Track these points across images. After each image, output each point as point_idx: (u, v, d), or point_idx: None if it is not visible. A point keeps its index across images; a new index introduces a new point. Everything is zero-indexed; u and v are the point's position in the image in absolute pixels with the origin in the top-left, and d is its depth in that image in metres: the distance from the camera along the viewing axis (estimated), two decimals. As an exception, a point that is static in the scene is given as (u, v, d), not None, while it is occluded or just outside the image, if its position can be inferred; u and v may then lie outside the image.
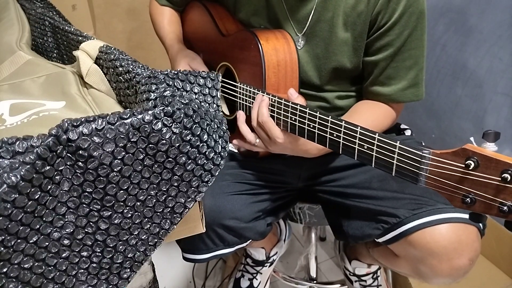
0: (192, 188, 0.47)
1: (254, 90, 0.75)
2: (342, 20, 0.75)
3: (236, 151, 0.88)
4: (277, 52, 0.76)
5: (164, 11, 1.02)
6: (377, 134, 0.54)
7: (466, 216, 0.66)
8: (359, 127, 0.56)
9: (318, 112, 0.62)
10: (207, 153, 0.46)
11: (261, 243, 1.05)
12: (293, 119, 0.66)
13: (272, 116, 0.70)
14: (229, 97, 0.84)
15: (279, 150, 0.73)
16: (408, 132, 0.91)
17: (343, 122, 0.59)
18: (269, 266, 1.10)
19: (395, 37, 0.74)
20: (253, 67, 0.77)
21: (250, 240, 0.85)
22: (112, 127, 0.40)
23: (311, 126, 0.63)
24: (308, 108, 0.64)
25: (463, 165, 0.45)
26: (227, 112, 0.89)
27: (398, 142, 0.52)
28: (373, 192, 0.76)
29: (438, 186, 0.49)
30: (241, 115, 0.76)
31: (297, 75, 0.78)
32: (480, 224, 0.68)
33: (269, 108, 0.70)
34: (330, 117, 0.60)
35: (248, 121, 0.74)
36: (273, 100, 0.70)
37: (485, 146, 0.45)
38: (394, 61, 0.76)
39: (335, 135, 0.60)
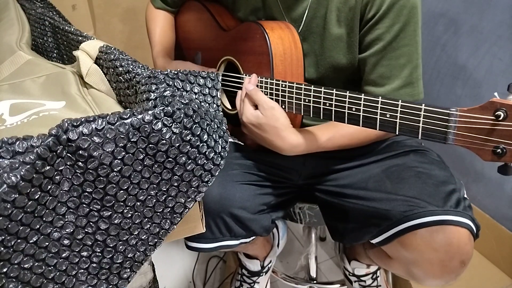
0: (192, 188, 0.47)
1: (261, 79, 0.75)
2: (335, 16, 0.75)
3: (242, 144, 0.89)
4: (282, 40, 0.77)
5: (157, 17, 1.02)
6: (400, 101, 0.56)
7: (458, 218, 0.66)
8: (380, 97, 0.58)
9: (334, 90, 0.63)
10: (207, 153, 0.46)
11: (256, 251, 1.06)
12: (306, 100, 0.67)
13: (283, 101, 0.71)
14: (233, 89, 0.84)
15: (248, 133, 0.76)
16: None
17: (362, 95, 0.60)
18: (265, 274, 1.11)
19: (384, 30, 0.72)
20: (259, 56, 0.78)
21: (254, 237, 0.85)
22: (112, 127, 0.40)
23: (327, 104, 0.64)
24: (323, 87, 0.64)
25: (493, 117, 0.47)
26: (229, 107, 0.89)
27: (423, 104, 0.53)
28: (368, 193, 0.76)
29: (467, 142, 0.50)
30: (238, 94, 0.80)
31: (302, 63, 0.79)
32: (473, 227, 0.67)
33: (279, 94, 0.72)
34: (348, 92, 0.61)
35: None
36: (283, 86, 0.70)
37: (511, 98, 0.47)
38: (386, 58, 0.74)
39: (354, 109, 0.61)
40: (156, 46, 0.99)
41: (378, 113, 0.58)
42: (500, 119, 0.47)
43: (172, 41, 1.03)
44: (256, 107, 0.74)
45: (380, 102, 0.57)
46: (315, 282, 1.14)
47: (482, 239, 0.69)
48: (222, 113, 0.64)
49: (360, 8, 0.73)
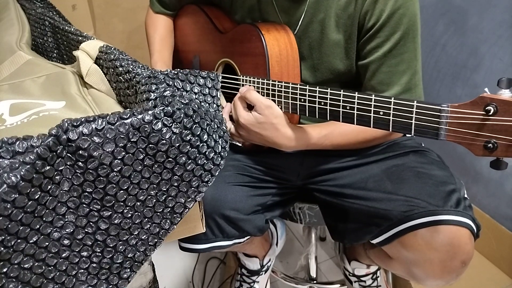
0: (192, 188, 0.47)
1: (258, 80, 0.76)
2: (334, 22, 0.76)
3: (240, 145, 0.89)
4: (278, 42, 0.77)
5: (156, 22, 1.01)
6: (392, 98, 0.56)
7: (458, 218, 0.65)
8: (373, 95, 0.58)
9: (329, 89, 0.64)
10: (207, 153, 0.46)
11: (254, 250, 1.06)
12: (302, 100, 0.68)
13: (279, 102, 0.72)
14: (231, 91, 0.84)
15: (247, 135, 0.76)
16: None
17: (356, 93, 0.60)
18: (265, 273, 1.11)
19: (384, 39, 0.73)
20: (255, 58, 0.78)
21: (249, 237, 0.85)
22: (112, 127, 0.40)
23: (322, 103, 0.65)
24: (318, 87, 0.65)
25: (483, 112, 0.48)
26: None
27: (415, 101, 0.54)
28: (368, 193, 0.76)
29: (458, 137, 0.51)
30: (226, 106, 0.80)
31: (298, 64, 0.79)
32: (474, 227, 0.67)
33: (275, 94, 0.72)
34: (342, 91, 0.62)
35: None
36: (279, 86, 0.71)
37: (501, 93, 0.47)
38: (386, 65, 0.75)
39: (348, 108, 0.62)
40: (154, 54, 0.99)
41: (372, 111, 0.59)
42: (490, 114, 0.47)
43: (171, 48, 1.03)
44: (248, 108, 0.75)
45: (373, 100, 0.58)
46: (315, 282, 1.14)
47: (482, 239, 0.69)
48: (222, 113, 0.64)
49: (359, 16, 0.73)
